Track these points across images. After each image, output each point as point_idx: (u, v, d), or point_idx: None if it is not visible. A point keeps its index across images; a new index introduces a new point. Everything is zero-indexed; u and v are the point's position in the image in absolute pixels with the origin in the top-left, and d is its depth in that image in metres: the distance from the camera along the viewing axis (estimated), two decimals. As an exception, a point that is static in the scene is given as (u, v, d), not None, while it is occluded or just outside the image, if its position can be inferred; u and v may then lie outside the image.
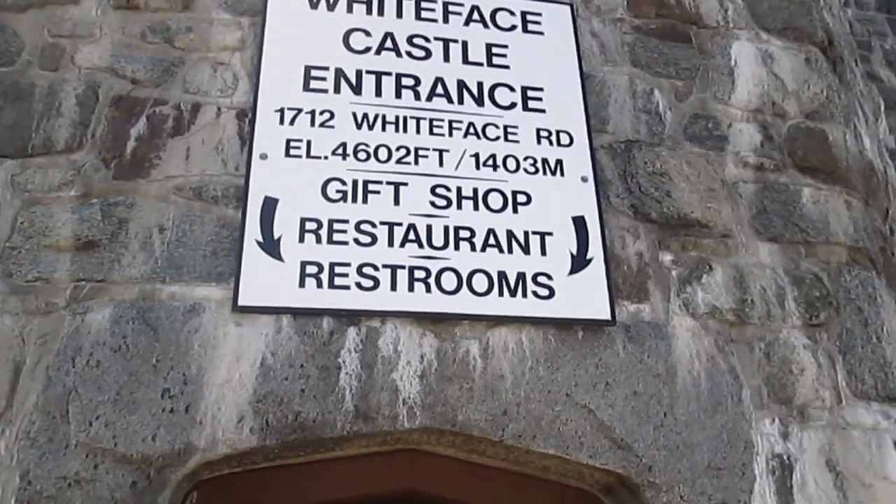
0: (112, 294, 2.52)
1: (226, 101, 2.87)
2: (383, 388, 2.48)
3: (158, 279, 2.56)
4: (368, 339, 2.53)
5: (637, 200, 2.95)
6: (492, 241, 2.73)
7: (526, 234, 2.76)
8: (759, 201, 3.07)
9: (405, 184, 2.78)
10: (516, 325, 2.62)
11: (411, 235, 2.69)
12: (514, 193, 2.83)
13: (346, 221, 2.68)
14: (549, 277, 2.70)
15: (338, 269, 2.60)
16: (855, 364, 2.88)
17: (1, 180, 2.63)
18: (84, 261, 2.56)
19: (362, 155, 2.80)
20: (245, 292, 2.53)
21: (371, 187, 2.75)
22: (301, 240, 2.63)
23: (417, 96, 2.95)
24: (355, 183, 2.75)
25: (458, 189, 2.80)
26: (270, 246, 2.60)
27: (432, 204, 2.76)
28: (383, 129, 2.86)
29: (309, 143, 2.79)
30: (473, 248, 2.71)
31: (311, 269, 2.59)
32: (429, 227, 2.71)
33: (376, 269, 2.62)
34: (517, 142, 2.94)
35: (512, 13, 3.24)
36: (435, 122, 2.91)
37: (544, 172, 2.89)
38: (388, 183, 2.77)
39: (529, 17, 3.25)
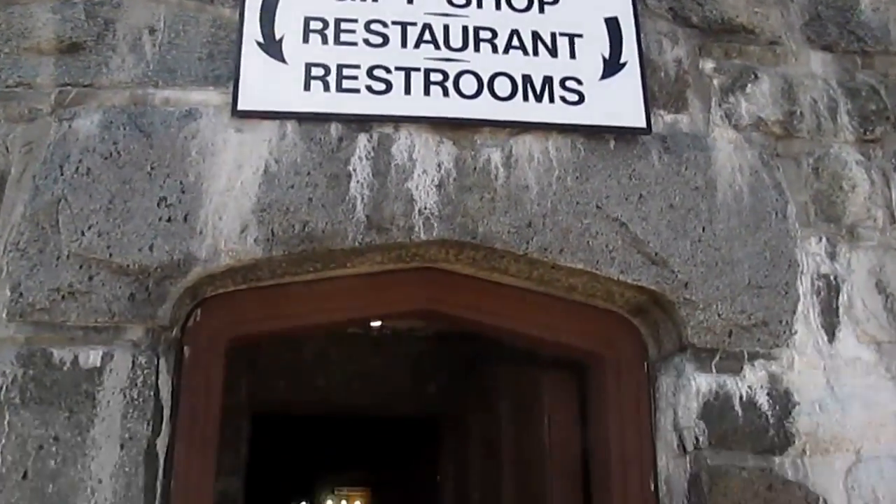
0: (101, 99, 2.34)
1: None
2: (397, 197, 2.29)
3: (150, 83, 2.37)
4: (381, 145, 2.32)
5: (676, 3, 2.65)
6: (515, 42, 2.47)
7: (553, 35, 2.49)
8: (813, 6, 2.76)
9: (419, -20, 2.49)
10: (542, 132, 2.40)
11: (427, 36, 2.44)
12: (541, -8, 2.54)
13: (355, 21, 2.43)
14: (579, 82, 2.45)
15: (346, 72, 2.37)
16: (911, 182, 2.64)
17: (-28, -22, 2.41)
18: (69, 64, 2.38)
19: (371, -53, 2.51)
20: (245, 96, 2.32)
21: (381, -17, 2.47)
22: (305, 40, 2.40)
23: None
24: (364, -22, 2.47)
25: (479, -14, 2.51)
26: (272, 47, 2.38)
27: (449, 2, 2.49)
28: (394, -82, 2.55)
29: (312, -66, 2.50)
30: (495, 50, 2.45)
31: (317, 72, 2.36)
32: (446, 28, 2.45)
33: (388, 71, 2.38)
34: (543, -65, 2.62)
35: None
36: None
37: (573, -31, 2.59)
38: (401, -21, 2.48)
39: None
